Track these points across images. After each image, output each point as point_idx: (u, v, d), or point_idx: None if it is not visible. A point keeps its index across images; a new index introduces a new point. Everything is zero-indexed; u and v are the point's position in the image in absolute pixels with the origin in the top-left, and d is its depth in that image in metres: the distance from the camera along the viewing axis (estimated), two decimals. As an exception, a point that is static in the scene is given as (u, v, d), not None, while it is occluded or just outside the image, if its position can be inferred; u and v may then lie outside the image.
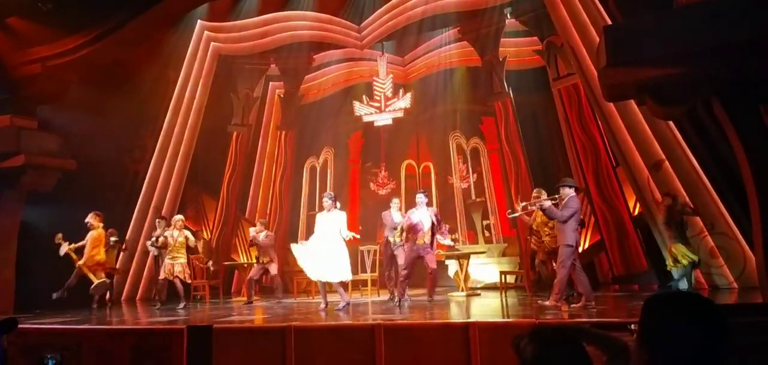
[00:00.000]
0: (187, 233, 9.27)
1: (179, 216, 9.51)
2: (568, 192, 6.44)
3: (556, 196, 6.71)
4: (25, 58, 10.02)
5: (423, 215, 7.67)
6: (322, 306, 7.51)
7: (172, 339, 5.66)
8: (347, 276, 7.66)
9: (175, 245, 9.04)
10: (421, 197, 7.84)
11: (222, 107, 12.88)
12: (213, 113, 12.44)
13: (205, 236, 12.72)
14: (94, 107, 10.80)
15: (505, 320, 5.83)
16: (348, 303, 7.51)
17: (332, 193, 7.98)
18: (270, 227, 12.35)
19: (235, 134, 13.12)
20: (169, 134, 11.83)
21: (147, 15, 9.88)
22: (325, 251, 7.44)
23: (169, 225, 9.49)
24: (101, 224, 9.15)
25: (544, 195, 7.02)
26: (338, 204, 7.84)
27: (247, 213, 13.04)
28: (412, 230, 7.65)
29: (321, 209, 7.89)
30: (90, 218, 9.08)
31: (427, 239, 7.62)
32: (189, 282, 9.49)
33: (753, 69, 5.48)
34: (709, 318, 1.42)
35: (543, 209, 6.57)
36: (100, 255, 9.05)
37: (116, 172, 11.90)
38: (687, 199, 7.76)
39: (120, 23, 9.88)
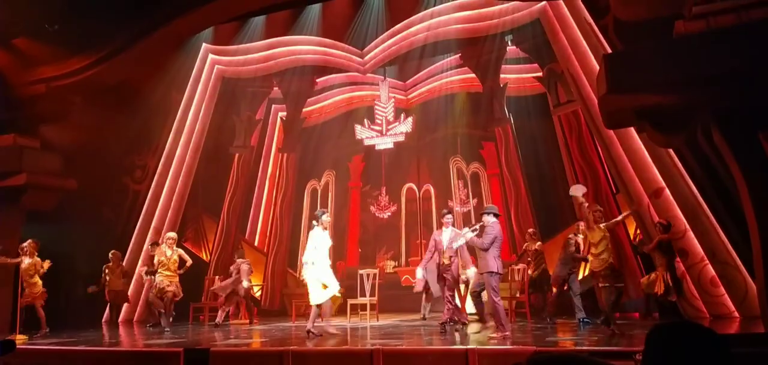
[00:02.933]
0: (180, 251, 9.24)
1: (172, 234, 9.42)
2: (490, 220, 6.53)
3: (479, 224, 6.87)
4: (30, 78, 10.09)
5: (447, 234, 7.62)
6: (332, 329, 7.33)
7: (169, 362, 5.61)
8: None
9: (169, 263, 8.99)
10: (448, 217, 7.83)
11: (224, 129, 12.95)
12: (215, 135, 12.50)
13: (204, 258, 12.68)
14: (96, 127, 10.84)
15: (505, 347, 5.78)
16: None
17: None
18: (269, 248, 12.40)
19: (237, 155, 13.16)
20: (171, 155, 11.86)
21: (152, 37, 9.95)
22: (328, 268, 7.45)
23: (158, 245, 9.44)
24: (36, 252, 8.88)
25: (467, 229, 7.05)
26: None
27: (247, 235, 13.01)
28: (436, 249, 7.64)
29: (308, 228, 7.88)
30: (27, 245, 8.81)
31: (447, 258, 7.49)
32: (174, 297, 9.14)
33: (752, 97, 5.52)
34: (712, 348, 1.42)
35: (468, 242, 6.64)
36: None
37: (117, 192, 11.90)
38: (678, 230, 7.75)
39: (125, 45, 9.96)
